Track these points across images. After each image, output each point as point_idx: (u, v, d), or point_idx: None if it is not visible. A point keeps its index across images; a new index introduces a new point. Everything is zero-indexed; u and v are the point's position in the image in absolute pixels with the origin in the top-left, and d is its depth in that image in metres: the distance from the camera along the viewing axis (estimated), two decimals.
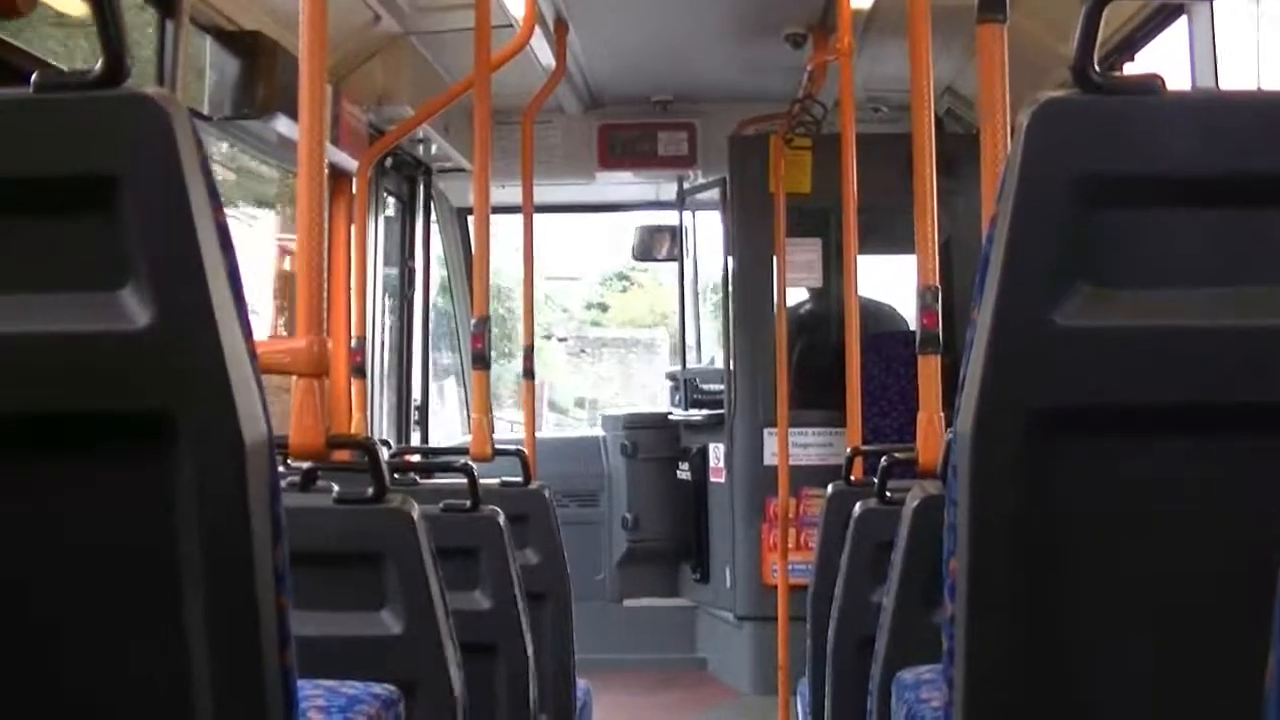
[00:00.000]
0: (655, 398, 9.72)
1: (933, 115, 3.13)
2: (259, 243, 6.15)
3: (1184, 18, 3.72)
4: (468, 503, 3.05)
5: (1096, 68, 1.45)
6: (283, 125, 4.11)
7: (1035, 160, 1.45)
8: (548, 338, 16.51)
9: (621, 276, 19.06)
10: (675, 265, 7.54)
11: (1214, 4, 3.53)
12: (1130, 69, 3.97)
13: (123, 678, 1.43)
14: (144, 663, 1.42)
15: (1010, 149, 1.48)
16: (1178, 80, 3.72)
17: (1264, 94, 1.70)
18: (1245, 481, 1.41)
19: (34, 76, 1.42)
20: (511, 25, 4.78)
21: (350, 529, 2.39)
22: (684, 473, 6.85)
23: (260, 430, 1.41)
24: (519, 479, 3.83)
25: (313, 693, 2.03)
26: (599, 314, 19.23)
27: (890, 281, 7.38)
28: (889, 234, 6.07)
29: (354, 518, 2.39)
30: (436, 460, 4.44)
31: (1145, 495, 1.45)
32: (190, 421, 1.37)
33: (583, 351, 17.98)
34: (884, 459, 3.17)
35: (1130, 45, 4.03)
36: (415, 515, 2.36)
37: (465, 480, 3.08)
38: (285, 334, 5.36)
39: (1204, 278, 1.45)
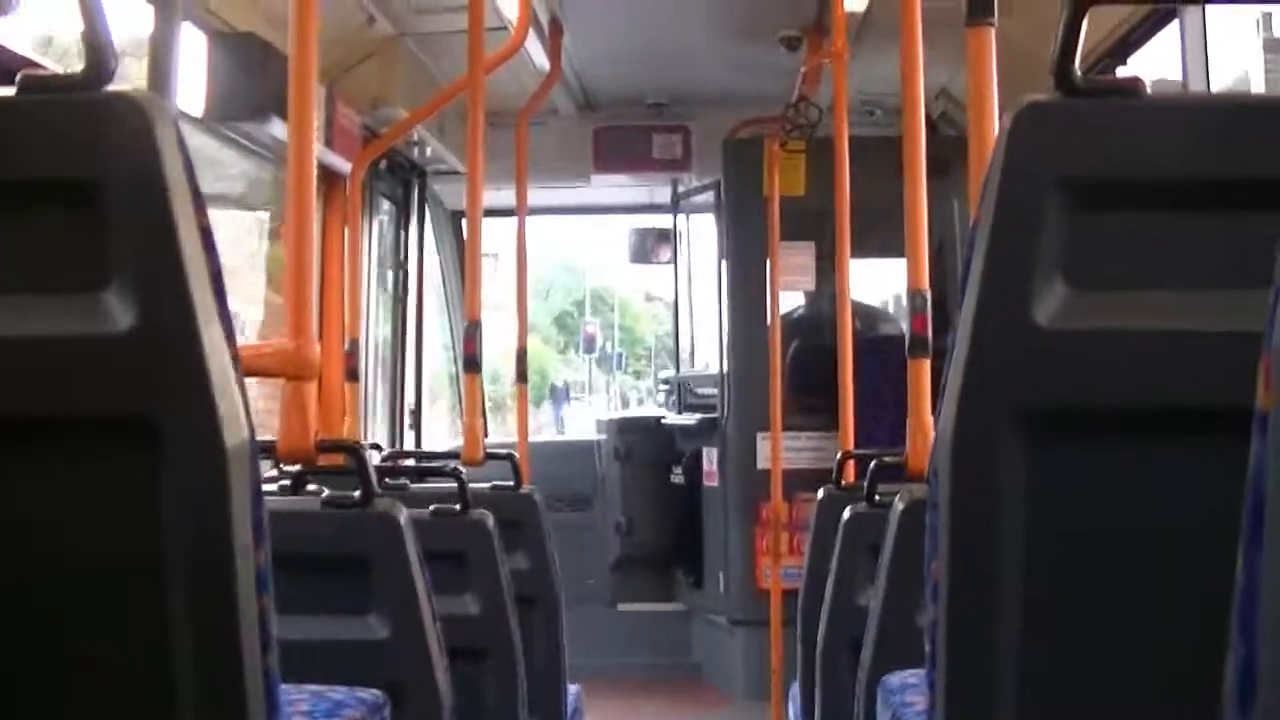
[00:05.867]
0: None
1: (924, 118, 3.13)
2: None
3: (1175, 22, 3.73)
4: (457, 507, 3.05)
5: (1078, 71, 1.45)
6: (277, 128, 4.11)
7: (1017, 162, 1.45)
8: None
9: None
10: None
11: (1205, 8, 3.54)
12: (1123, 74, 3.97)
13: (104, 680, 1.43)
14: (125, 665, 1.42)
15: (993, 151, 1.48)
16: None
17: (1245, 96, 1.70)
18: (1223, 485, 1.41)
19: (18, 78, 1.42)
20: (506, 27, 4.78)
21: (337, 533, 2.39)
22: (677, 477, 6.85)
23: (242, 433, 1.40)
24: (511, 483, 3.83)
25: (297, 697, 2.03)
26: None
27: (885, 285, 7.39)
28: (883, 237, 6.08)
29: (340, 521, 2.38)
30: (427, 464, 4.43)
31: (1125, 498, 1.45)
32: (171, 424, 1.37)
33: None
34: (873, 463, 3.17)
35: (1122, 50, 4.03)
36: (402, 519, 2.36)
37: (456, 484, 3.08)
38: None
39: (1184, 281, 1.45)
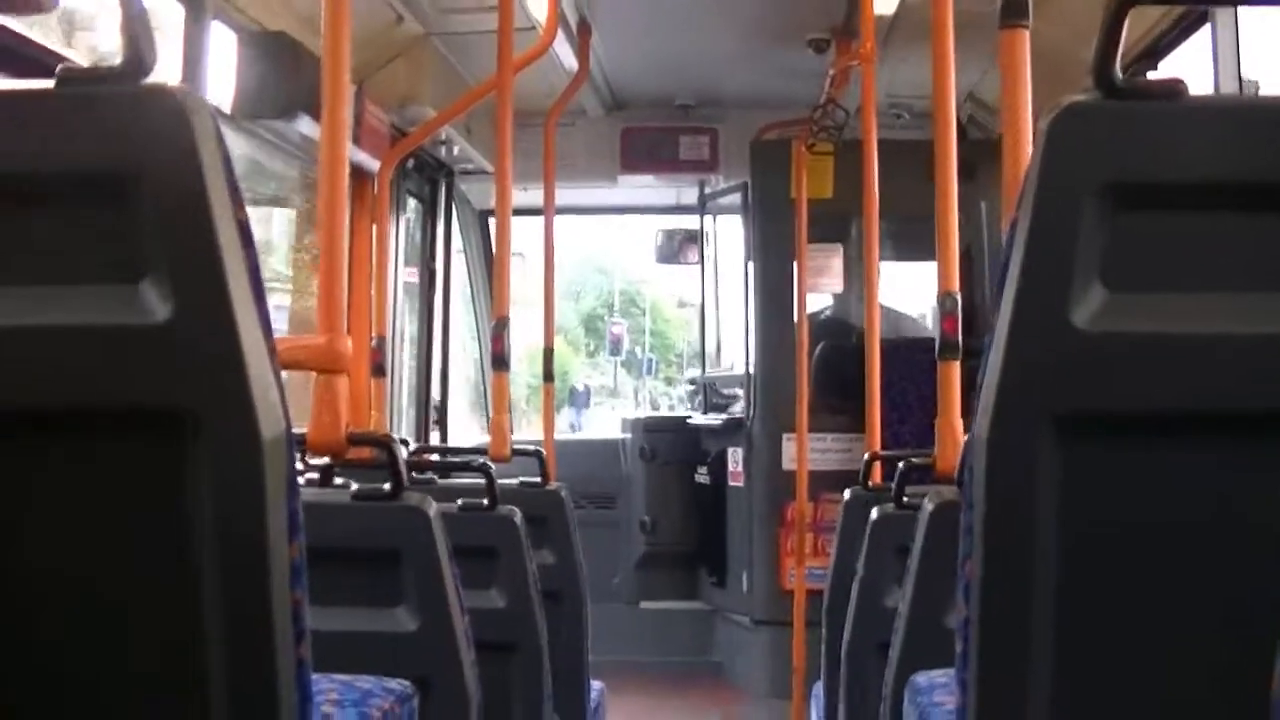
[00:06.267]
0: None
1: (955, 121, 3.12)
2: None
3: (1207, 25, 3.71)
4: (485, 502, 3.06)
5: (1119, 72, 1.44)
6: (306, 126, 4.13)
7: (1056, 164, 1.44)
8: None
9: None
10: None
11: (1238, 10, 3.52)
12: (1154, 77, 3.94)
13: (139, 669, 1.44)
14: (160, 654, 1.43)
15: (1031, 153, 1.48)
16: (1202, 88, 3.70)
17: None
18: (1264, 489, 1.41)
19: (58, 70, 1.43)
20: (534, 28, 4.79)
21: (367, 526, 2.40)
22: (702, 477, 6.85)
23: (278, 425, 1.41)
24: (537, 480, 3.84)
25: (327, 686, 2.04)
26: None
27: (912, 288, 7.37)
28: (911, 241, 6.07)
29: (371, 514, 2.40)
30: (455, 460, 4.44)
31: (1161, 500, 1.44)
32: (208, 416, 1.38)
33: None
34: (901, 464, 3.16)
35: (1154, 53, 4.02)
36: (432, 513, 2.36)
37: (483, 480, 3.09)
38: None
39: (1224, 283, 1.44)
